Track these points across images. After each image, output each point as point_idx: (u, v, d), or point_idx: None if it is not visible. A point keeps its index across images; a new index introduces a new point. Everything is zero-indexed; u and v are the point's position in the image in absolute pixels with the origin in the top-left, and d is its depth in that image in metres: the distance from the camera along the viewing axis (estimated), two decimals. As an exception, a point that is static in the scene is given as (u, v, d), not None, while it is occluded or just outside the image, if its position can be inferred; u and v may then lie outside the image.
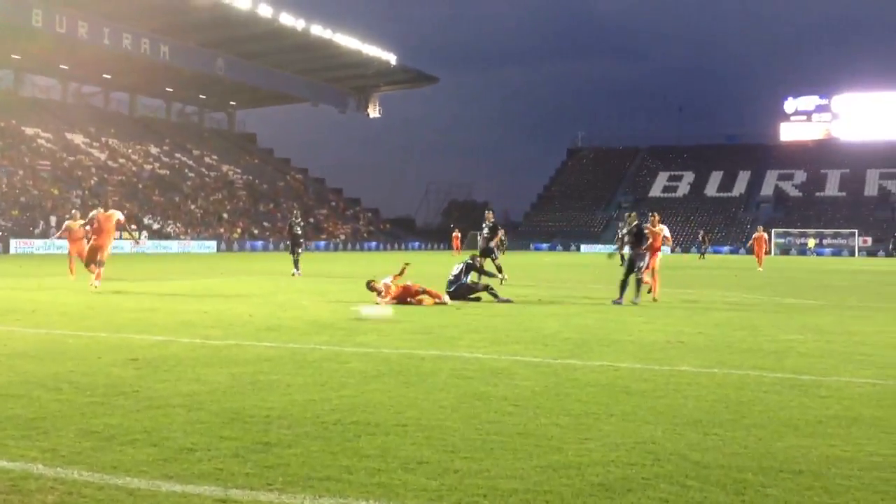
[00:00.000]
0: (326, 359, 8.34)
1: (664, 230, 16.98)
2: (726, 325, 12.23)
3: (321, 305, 14.77)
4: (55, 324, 11.17)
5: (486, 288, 16.06)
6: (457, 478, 4.38)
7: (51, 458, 4.59)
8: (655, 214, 17.41)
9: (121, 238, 36.01)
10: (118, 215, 17.91)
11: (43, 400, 6.10)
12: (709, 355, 9.04)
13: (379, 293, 14.47)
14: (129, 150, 76.99)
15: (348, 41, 75.42)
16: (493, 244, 21.12)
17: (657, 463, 4.73)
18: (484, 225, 21.54)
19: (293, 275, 25.09)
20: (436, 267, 28.67)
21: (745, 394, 6.81)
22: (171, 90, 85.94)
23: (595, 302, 16.38)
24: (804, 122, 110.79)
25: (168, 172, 76.15)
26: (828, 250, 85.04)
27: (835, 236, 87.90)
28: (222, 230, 68.39)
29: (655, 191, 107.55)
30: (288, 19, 68.67)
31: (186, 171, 79.24)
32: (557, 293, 18.91)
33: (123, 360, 8.03)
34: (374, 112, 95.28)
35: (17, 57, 70.04)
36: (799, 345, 10.03)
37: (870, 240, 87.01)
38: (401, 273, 15.23)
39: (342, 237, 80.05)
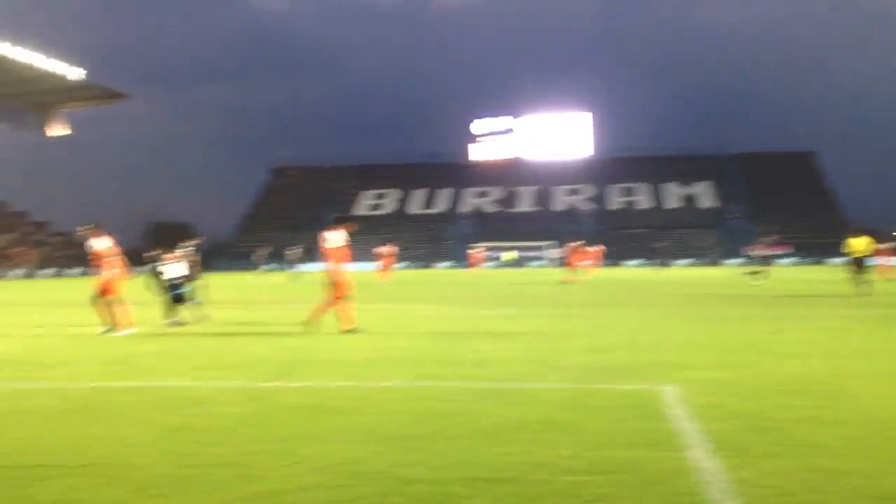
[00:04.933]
0: (3, 398, 7.58)
1: None
2: (434, 338, 12.37)
3: (5, 338, 13.49)
4: None
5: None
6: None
7: None
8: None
9: None
10: None
11: None
12: (415, 368, 9.07)
13: None
14: None
15: (21, 54, 69.56)
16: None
17: (361, 482, 4.60)
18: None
19: None
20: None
21: (448, 405, 6.83)
22: None
23: (296, 321, 15.58)
24: (492, 142, 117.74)
25: None
26: (536, 262, 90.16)
27: (530, 249, 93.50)
28: None
29: (361, 209, 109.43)
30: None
31: None
32: (268, 314, 18.48)
33: None
34: (59, 130, 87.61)
35: None
36: (501, 353, 10.27)
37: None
38: None
39: (30, 263, 73.38)
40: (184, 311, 15.59)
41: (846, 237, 23.48)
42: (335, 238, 13.61)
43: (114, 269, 14.03)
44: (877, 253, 26.56)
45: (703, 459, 5.03)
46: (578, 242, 38.45)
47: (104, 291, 13.86)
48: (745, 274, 37.09)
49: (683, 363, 9.30)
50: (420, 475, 4.73)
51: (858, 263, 22.59)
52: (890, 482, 4.61)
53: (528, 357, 9.93)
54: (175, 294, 15.47)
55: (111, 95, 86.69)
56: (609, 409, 6.59)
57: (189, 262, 20.83)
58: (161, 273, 15.62)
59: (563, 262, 39.96)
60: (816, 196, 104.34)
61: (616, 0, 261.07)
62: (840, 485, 4.55)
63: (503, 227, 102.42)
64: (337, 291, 13.39)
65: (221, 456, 5.23)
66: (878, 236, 25.71)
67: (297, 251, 49.42)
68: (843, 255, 24.05)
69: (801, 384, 7.81)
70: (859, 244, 22.68)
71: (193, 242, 22.13)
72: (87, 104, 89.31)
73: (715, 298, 23.44)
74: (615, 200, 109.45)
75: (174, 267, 15.85)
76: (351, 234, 14.02)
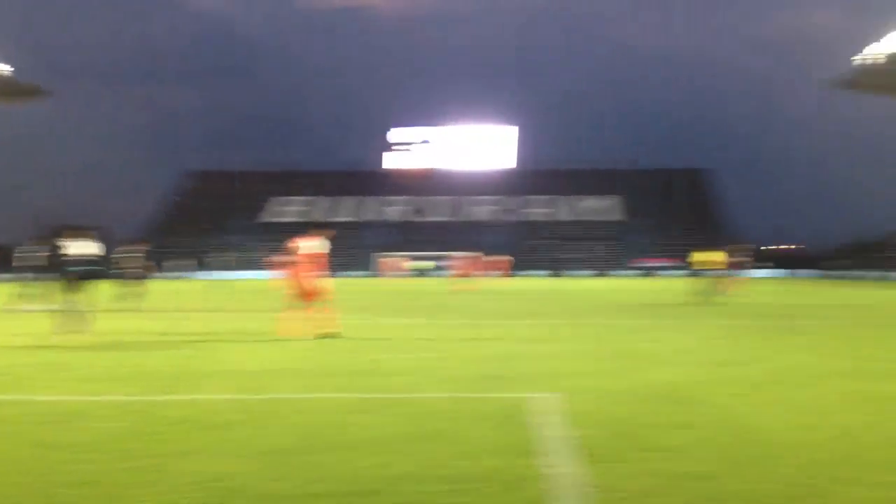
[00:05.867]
0: None
1: None
2: (330, 347, 12.40)
3: None
4: None
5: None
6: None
7: None
8: None
9: None
10: None
11: None
12: (304, 379, 9.13)
13: None
14: None
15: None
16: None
17: (228, 499, 4.65)
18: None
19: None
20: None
21: (327, 417, 6.88)
22: None
23: (204, 331, 15.82)
24: (407, 152, 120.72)
25: None
26: (445, 273, 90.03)
27: (440, 259, 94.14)
28: None
29: (270, 215, 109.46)
30: None
31: None
32: (168, 324, 18.03)
33: None
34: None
35: None
36: (394, 363, 10.41)
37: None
38: None
39: None
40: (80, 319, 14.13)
41: (692, 251, 26.66)
42: (311, 245, 13.89)
43: None
44: (730, 265, 28.35)
45: (562, 466, 5.24)
46: (472, 253, 39.82)
47: None
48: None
49: (567, 371, 9.56)
50: (286, 490, 4.79)
51: (698, 275, 26.06)
52: (732, 484, 4.89)
53: (420, 367, 10.06)
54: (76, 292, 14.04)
55: (32, 92, 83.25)
56: (487, 418, 6.74)
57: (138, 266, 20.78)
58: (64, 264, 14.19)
59: (456, 272, 41.06)
60: (705, 212, 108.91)
61: (540, 19, 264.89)
62: (684, 487, 4.83)
63: (415, 236, 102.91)
64: (310, 298, 13.78)
65: (91, 473, 5.18)
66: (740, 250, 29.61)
67: (229, 257, 48.78)
68: (689, 267, 27.37)
69: (670, 391, 8.16)
70: (702, 257, 25.92)
71: (141, 248, 21.81)
72: (5, 101, 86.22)
73: (607, 308, 24.04)
74: (527, 212, 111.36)
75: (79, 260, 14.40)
76: (332, 241, 14.44)
